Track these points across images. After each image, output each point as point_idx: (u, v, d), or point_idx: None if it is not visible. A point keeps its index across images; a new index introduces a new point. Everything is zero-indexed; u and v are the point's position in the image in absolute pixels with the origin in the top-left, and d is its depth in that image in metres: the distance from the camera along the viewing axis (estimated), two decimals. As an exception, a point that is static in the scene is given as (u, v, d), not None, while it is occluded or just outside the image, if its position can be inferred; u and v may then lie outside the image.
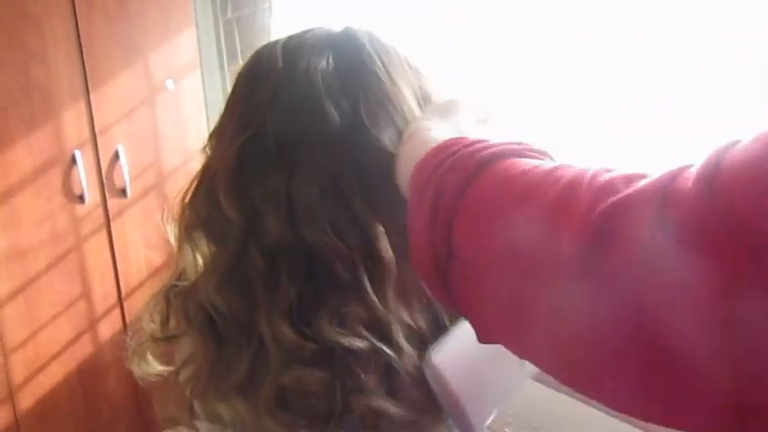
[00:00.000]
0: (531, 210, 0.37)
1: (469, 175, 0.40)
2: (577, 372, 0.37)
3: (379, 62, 0.58)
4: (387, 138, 0.55)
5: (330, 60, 0.57)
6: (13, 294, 1.80)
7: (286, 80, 0.57)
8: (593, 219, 0.33)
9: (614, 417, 1.08)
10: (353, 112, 0.55)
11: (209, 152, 0.62)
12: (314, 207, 0.54)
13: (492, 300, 0.41)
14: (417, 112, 0.58)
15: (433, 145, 0.47)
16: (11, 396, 1.84)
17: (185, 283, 0.62)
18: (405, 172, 0.51)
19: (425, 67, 0.63)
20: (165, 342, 0.65)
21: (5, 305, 1.79)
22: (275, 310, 0.55)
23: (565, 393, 1.17)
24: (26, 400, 1.86)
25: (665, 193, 0.31)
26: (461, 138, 0.46)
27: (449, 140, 0.46)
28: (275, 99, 0.57)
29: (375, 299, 0.55)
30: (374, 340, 0.55)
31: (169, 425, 0.63)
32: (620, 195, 0.32)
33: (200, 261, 0.62)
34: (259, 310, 0.56)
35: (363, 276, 0.55)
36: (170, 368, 0.65)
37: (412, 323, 0.56)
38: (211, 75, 2.03)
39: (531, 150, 0.43)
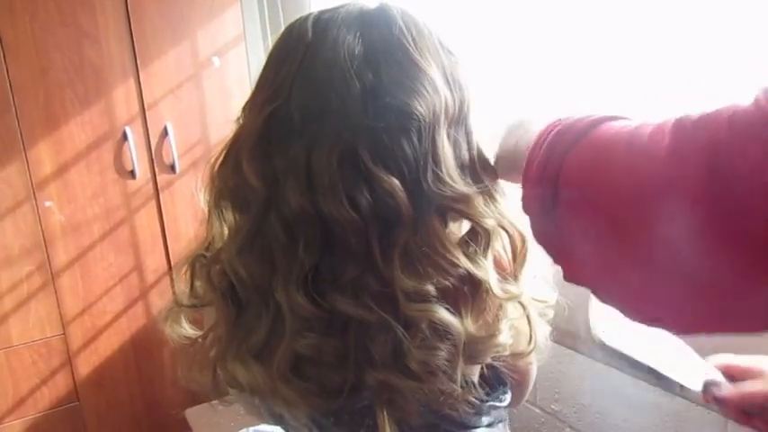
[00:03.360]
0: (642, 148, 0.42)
1: (579, 134, 0.47)
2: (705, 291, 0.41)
3: (409, 36, 0.58)
4: (416, 104, 0.55)
5: (358, 34, 0.57)
6: (69, 265, 1.88)
7: (313, 52, 0.58)
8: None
9: (666, 393, 1.05)
10: (375, 78, 0.56)
11: (241, 123, 0.63)
12: (332, 178, 0.55)
13: (592, 237, 0.47)
14: (446, 91, 0.58)
15: (539, 130, 0.53)
16: (69, 363, 1.93)
17: (212, 253, 0.64)
18: (507, 159, 0.59)
19: (459, 51, 0.62)
20: (191, 309, 0.66)
21: (63, 276, 1.87)
22: (291, 278, 0.56)
23: (615, 368, 1.14)
24: (83, 367, 1.95)
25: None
26: (559, 119, 0.52)
27: (551, 122, 0.52)
28: (301, 71, 0.58)
29: (387, 271, 0.55)
30: (385, 314, 0.55)
31: (192, 385, 0.64)
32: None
33: (225, 231, 0.63)
34: (277, 277, 0.57)
35: (376, 249, 0.55)
36: (199, 332, 0.67)
37: (419, 288, 0.55)
38: (256, 51, 2.04)
39: (618, 116, 0.49)
